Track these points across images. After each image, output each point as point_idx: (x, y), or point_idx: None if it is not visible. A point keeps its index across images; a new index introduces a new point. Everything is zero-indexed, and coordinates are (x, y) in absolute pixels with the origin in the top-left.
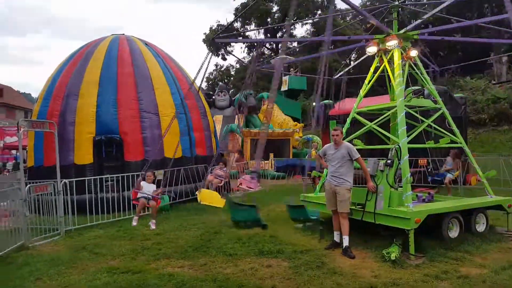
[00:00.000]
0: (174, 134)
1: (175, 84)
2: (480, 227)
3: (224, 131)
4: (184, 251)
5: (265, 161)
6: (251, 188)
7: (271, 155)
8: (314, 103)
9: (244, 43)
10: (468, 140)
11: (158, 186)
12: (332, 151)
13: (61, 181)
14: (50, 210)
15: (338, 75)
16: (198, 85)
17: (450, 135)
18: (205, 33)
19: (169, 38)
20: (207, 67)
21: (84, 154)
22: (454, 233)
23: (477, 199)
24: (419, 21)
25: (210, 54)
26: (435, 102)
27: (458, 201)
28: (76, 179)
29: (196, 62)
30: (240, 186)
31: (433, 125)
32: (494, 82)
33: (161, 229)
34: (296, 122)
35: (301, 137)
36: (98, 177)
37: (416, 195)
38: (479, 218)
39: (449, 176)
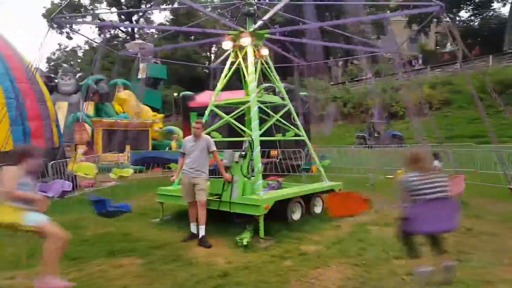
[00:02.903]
0: (2, 123)
1: (2, 62)
2: (317, 209)
3: (69, 120)
4: (15, 259)
5: (120, 154)
6: None
7: (128, 147)
8: (175, 93)
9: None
10: (310, 134)
11: None
12: (191, 143)
13: None
14: None
15: (216, 62)
16: (35, 66)
17: (295, 129)
18: (45, 7)
19: None
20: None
21: None
22: (297, 215)
23: (315, 184)
24: (262, 21)
25: (49, 30)
26: (283, 98)
27: (300, 187)
28: None
29: (34, 41)
30: None
31: (281, 120)
32: (332, 83)
33: None
34: (155, 113)
35: (161, 128)
36: None
37: (268, 183)
38: (317, 201)
39: None
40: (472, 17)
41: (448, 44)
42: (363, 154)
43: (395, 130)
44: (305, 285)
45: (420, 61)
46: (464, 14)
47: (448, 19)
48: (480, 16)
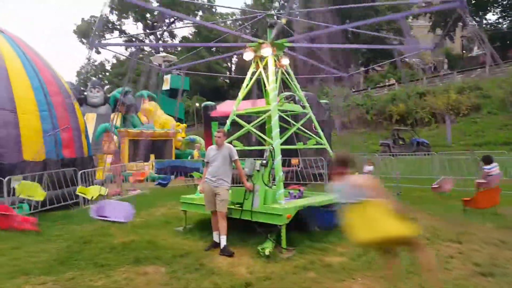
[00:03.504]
0: (35, 132)
1: (37, 77)
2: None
3: (97, 130)
4: (47, 265)
5: (145, 163)
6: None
7: (152, 156)
8: (196, 104)
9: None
10: (332, 141)
11: (13, 195)
12: (214, 152)
13: None
14: None
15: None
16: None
17: (316, 137)
18: (75, 24)
19: (32, 28)
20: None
21: None
22: None
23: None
24: (302, 35)
25: (90, 53)
26: (304, 107)
27: (323, 196)
28: None
29: (65, 55)
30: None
31: (302, 128)
32: (354, 90)
33: (18, 242)
34: (178, 123)
35: (184, 137)
36: None
37: (289, 192)
38: None
39: None
40: (500, 20)
41: (475, 48)
42: (388, 162)
43: (421, 137)
44: None
45: (446, 66)
46: (491, 17)
47: (473, 22)
48: (509, 19)
